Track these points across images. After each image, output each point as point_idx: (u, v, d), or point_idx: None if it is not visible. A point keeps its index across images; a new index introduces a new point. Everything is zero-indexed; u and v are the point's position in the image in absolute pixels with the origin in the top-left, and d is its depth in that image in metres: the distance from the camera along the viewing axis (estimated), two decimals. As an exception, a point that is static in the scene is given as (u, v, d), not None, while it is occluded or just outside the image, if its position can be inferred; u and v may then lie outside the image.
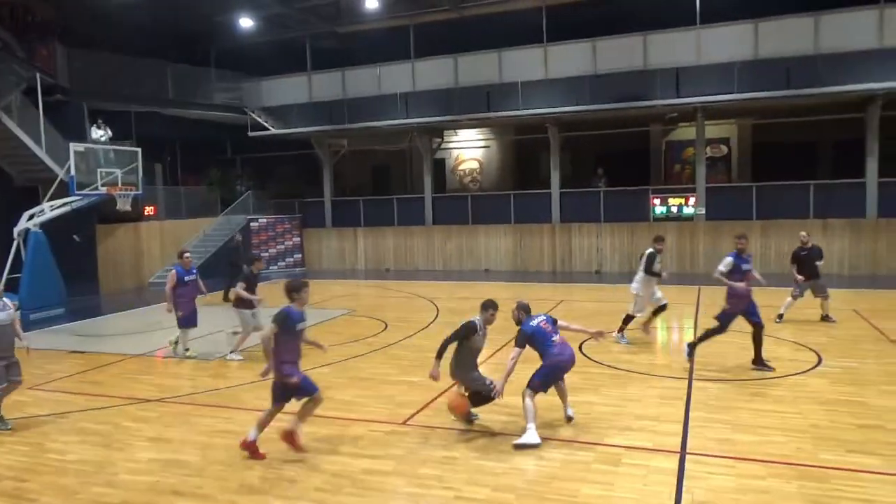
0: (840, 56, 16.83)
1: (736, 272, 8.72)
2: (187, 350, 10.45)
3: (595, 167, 22.33)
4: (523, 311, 7.00)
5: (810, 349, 9.81)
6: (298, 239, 24.05)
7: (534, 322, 6.82)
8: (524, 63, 20.27)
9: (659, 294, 10.67)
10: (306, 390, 6.29)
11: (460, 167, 26.33)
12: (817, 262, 11.86)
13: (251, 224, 23.15)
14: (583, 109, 19.49)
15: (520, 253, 21.42)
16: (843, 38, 16.90)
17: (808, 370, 8.80)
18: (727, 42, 18.07)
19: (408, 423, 7.18)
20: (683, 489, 5.41)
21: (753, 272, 8.95)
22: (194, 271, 10.54)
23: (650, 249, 10.52)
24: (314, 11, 21.94)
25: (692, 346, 9.15)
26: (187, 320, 10.30)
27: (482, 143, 25.87)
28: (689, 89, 18.31)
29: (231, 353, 10.20)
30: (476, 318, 6.88)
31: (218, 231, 22.47)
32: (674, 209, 19.83)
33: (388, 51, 22.05)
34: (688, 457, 6.06)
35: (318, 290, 17.29)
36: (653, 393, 7.99)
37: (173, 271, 10.30)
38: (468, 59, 21.03)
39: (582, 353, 10.00)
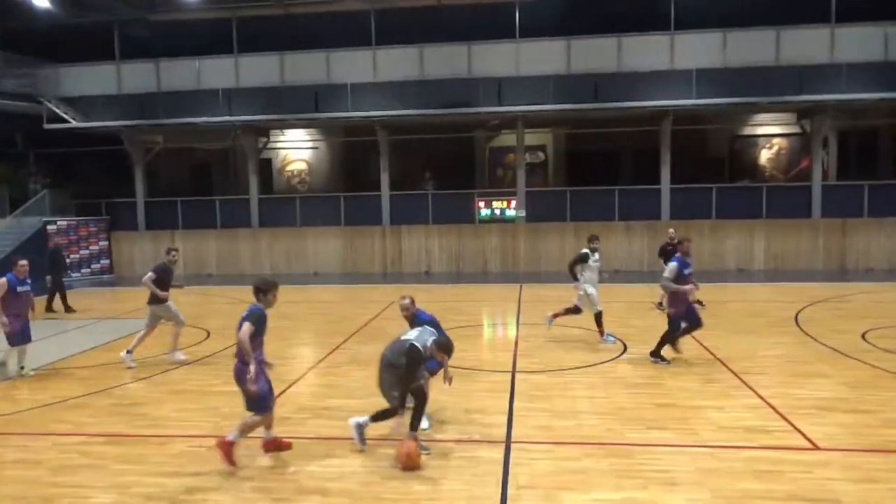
0: (639, 75, 18.73)
1: (680, 277, 8.91)
2: (23, 368, 9.17)
3: (423, 170, 22.82)
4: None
5: (619, 339, 10.75)
6: (105, 243, 21.96)
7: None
8: (353, 65, 20.20)
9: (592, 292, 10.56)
10: (259, 405, 5.92)
11: (288, 168, 25.61)
12: None
13: (48, 227, 20.68)
14: (410, 114, 19.84)
15: (350, 255, 21.30)
16: (641, 58, 18.82)
17: (616, 357, 9.65)
18: (543, 56, 19.36)
19: (233, 434, 6.80)
20: (509, 476, 5.66)
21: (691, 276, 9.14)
22: (28, 281, 9.23)
23: (584, 249, 10.63)
24: (122, -5, 20.18)
25: (656, 355, 9.21)
26: (21, 336, 9.12)
27: (311, 144, 25.38)
28: (510, 99, 19.36)
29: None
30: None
31: (7, 234, 19.84)
32: (497, 212, 20.84)
33: (208, 44, 20.84)
34: (512, 445, 6.36)
35: (129, 299, 15.90)
36: (480, 387, 8.30)
37: (4, 280, 8.95)
38: (295, 58, 20.52)
39: (413, 352, 10.14)
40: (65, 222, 21.26)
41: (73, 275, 20.58)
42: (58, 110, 20.82)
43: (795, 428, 6.69)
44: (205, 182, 25.47)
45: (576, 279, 10.71)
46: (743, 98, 18.58)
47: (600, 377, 8.65)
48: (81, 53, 21.28)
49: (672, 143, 19.88)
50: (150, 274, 9.64)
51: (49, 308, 14.61)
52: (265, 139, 23.47)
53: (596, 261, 10.64)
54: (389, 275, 20.82)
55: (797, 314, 12.61)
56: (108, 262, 22.00)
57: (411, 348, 6.04)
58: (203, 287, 18.92)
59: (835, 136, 22.79)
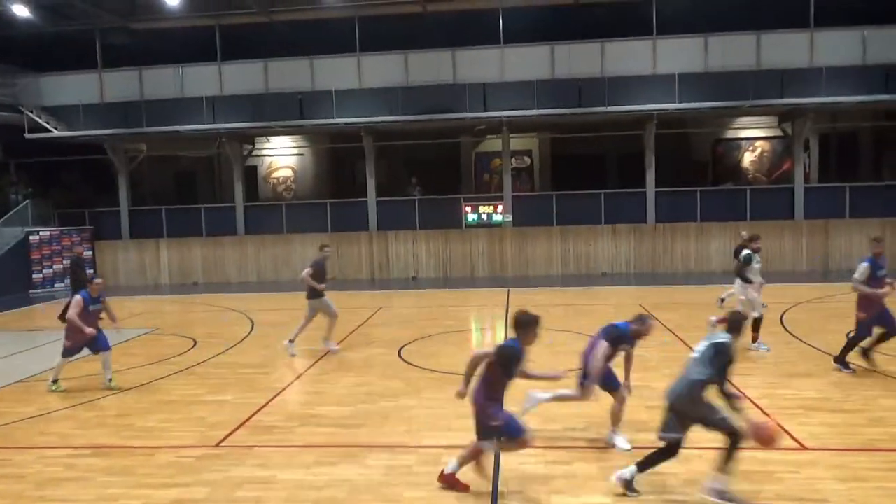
0: (622, 79, 18.86)
1: (872, 278, 8.40)
2: (110, 381, 8.97)
3: (409, 176, 22.83)
4: None
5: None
6: (90, 253, 21.72)
7: None
8: (337, 71, 20.18)
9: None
10: (510, 434, 5.43)
11: (273, 175, 25.51)
12: None
13: (30, 237, 20.44)
14: (396, 120, 19.85)
15: (338, 261, 21.24)
16: (624, 63, 18.96)
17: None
18: (527, 62, 19.44)
19: (221, 444, 6.75)
20: (500, 479, 5.66)
21: (887, 278, 8.55)
22: (100, 300, 9.06)
23: (746, 251, 10.16)
24: (102, 4, 19.99)
25: (841, 361, 8.71)
26: (72, 351, 8.97)
27: (296, 151, 25.30)
28: (495, 104, 19.43)
29: None
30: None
31: (-12, 245, 19.59)
32: (484, 216, 20.87)
33: (191, 51, 20.75)
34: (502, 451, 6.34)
35: (114, 308, 15.74)
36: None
37: (80, 298, 8.84)
38: (279, 65, 20.48)
39: (401, 358, 10.13)
40: (47, 232, 21.01)
41: (56, 286, 20.35)
42: (39, 119, 20.60)
43: (782, 428, 6.72)
44: (190, 190, 25.30)
45: (748, 282, 10.05)
46: (725, 102, 18.76)
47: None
48: (63, 62, 21.10)
49: (656, 146, 20.03)
50: (308, 269, 10.16)
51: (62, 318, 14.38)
52: (250, 146, 23.37)
53: (758, 262, 10.18)
54: (377, 281, 20.77)
55: (782, 315, 12.72)
56: (91, 271, 21.77)
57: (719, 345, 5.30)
58: (188, 296, 18.77)
59: (816, 138, 23.06)
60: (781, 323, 12.06)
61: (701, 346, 5.43)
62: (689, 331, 11.38)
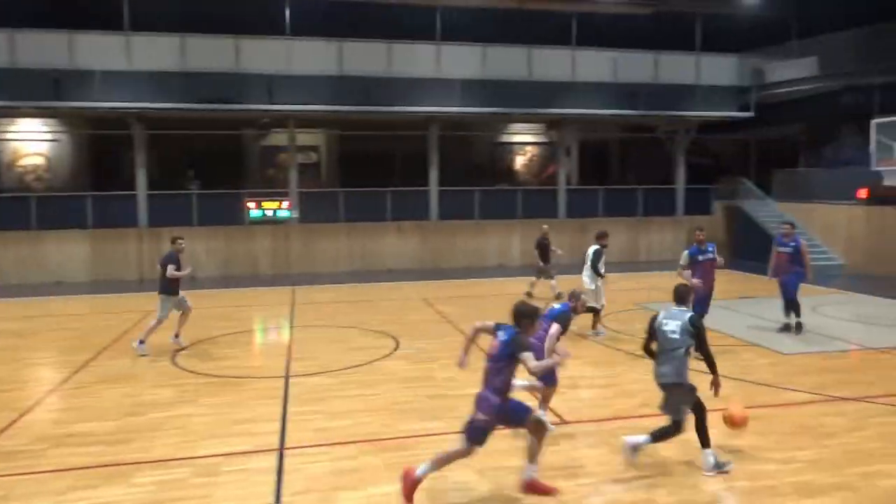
0: (408, 81, 19.38)
1: (693, 263, 9.75)
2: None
3: (186, 168, 21.28)
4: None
5: (390, 336, 11.02)
6: None
7: None
8: (102, 49, 18.07)
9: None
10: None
11: (20, 163, 22.21)
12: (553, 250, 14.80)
13: None
14: (169, 107, 18.36)
15: (100, 261, 19.11)
16: (410, 66, 19.50)
17: (389, 354, 9.88)
18: (316, 56, 19.12)
19: (-54, 476, 5.70)
20: (283, 484, 5.50)
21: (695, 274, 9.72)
22: None
23: (595, 246, 11.19)
24: None
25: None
26: None
27: (49, 137, 22.28)
28: (281, 97, 18.82)
29: None
30: None
31: None
32: (269, 213, 20.16)
33: None
34: (287, 452, 6.19)
35: None
36: (250, 395, 7.95)
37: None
38: (30, 37, 17.78)
39: (175, 364, 9.41)
40: None
41: None
42: None
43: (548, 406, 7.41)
44: None
45: (600, 275, 11.12)
46: (501, 108, 20.18)
47: (375, 375, 8.79)
48: None
49: (440, 147, 20.92)
50: (171, 266, 9.91)
51: None
52: (-12, 128, 20.08)
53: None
54: (147, 282, 19.03)
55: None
56: None
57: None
58: None
59: (576, 145, 25.80)
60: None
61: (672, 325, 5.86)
62: (468, 322, 12.00)
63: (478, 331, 5.74)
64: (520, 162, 26.25)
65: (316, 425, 6.86)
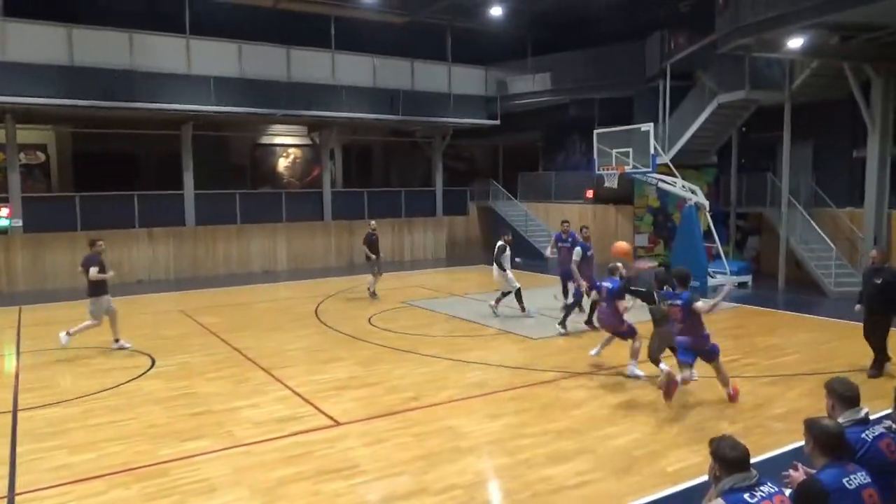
0: (155, 76, 17.75)
1: (582, 259, 11.25)
2: None
3: None
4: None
5: (144, 353, 10.04)
6: None
7: None
8: None
9: None
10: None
11: None
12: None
13: None
14: None
15: None
16: (156, 59, 17.89)
17: (144, 373, 8.99)
18: (38, 42, 16.56)
19: None
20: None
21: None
22: None
23: (500, 242, 12.55)
24: None
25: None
26: None
27: None
28: (-2, 87, 16.06)
29: None
30: None
31: None
32: (-17, 221, 17.13)
33: None
34: (18, 499, 5.31)
35: None
36: (-34, 437, 6.68)
37: None
38: None
39: None
40: None
41: None
42: None
43: (320, 410, 7.34)
44: None
45: (503, 268, 12.38)
46: (260, 109, 19.44)
47: (126, 398, 7.93)
48: None
49: (195, 148, 19.55)
50: (94, 268, 9.89)
51: None
52: None
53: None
54: None
55: (316, 307, 13.88)
56: None
57: None
58: None
59: (339, 148, 25.90)
60: (316, 315, 13.14)
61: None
62: (234, 332, 11.44)
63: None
64: (283, 164, 25.62)
65: (54, 463, 5.99)
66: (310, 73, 20.13)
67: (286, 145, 25.49)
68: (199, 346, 10.63)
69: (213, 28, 18.82)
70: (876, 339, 8.54)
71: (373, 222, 16.20)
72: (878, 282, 8.46)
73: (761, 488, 3.19)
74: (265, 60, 19.49)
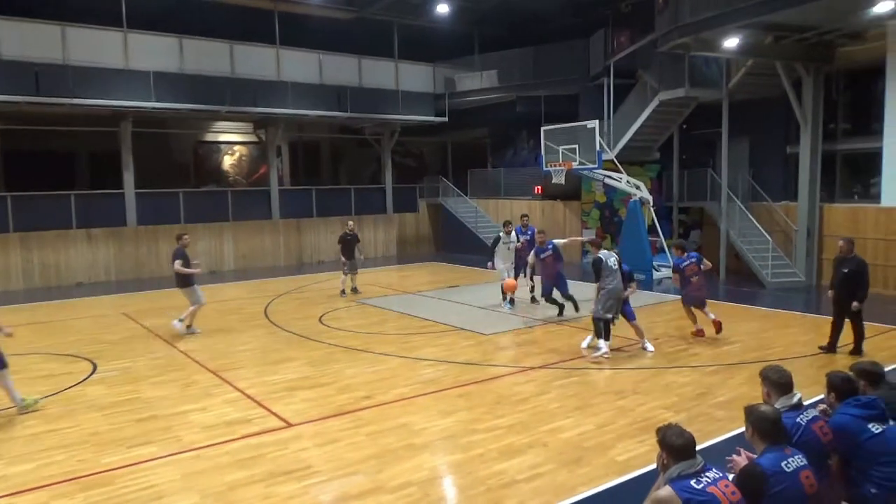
0: (91, 70, 17.10)
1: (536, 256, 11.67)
2: None
3: None
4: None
5: (85, 359, 9.70)
6: None
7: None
8: None
9: None
10: None
11: None
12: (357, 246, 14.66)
13: None
14: None
15: None
16: (93, 53, 17.23)
17: (85, 379, 8.69)
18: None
19: None
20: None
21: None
22: None
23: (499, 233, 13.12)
24: None
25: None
26: None
27: None
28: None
29: None
30: None
31: None
32: None
33: None
34: (-50, 514, 5.08)
35: None
36: None
37: None
38: None
39: None
40: None
41: None
42: None
43: (271, 412, 7.24)
44: None
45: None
46: (202, 105, 18.95)
47: (67, 405, 7.65)
48: None
49: (135, 146, 18.94)
50: (178, 261, 10.81)
51: None
52: None
53: (506, 242, 12.86)
54: None
55: (266, 308, 13.67)
56: None
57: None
58: None
59: (287, 146, 25.52)
60: (265, 315, 12.94)
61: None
62: (179, 333, 11.15)
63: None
64: (228, 162, 25.09)
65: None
66: (254, 69, 19.75)
67: (231, 143, 24.97)
68: (143, 349, 10.33)
69: (152, 22, 18.28)
70: (852, 324, 9.09)
71: (350, 222, 16.00)
72: (846, 271, 8.98)
73: (707, 474, 3.32)
74: (207, 55, 19.03)
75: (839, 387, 4.32)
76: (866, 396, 4.23)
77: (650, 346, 9.50)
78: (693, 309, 10.27)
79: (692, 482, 3.27)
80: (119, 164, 18.76)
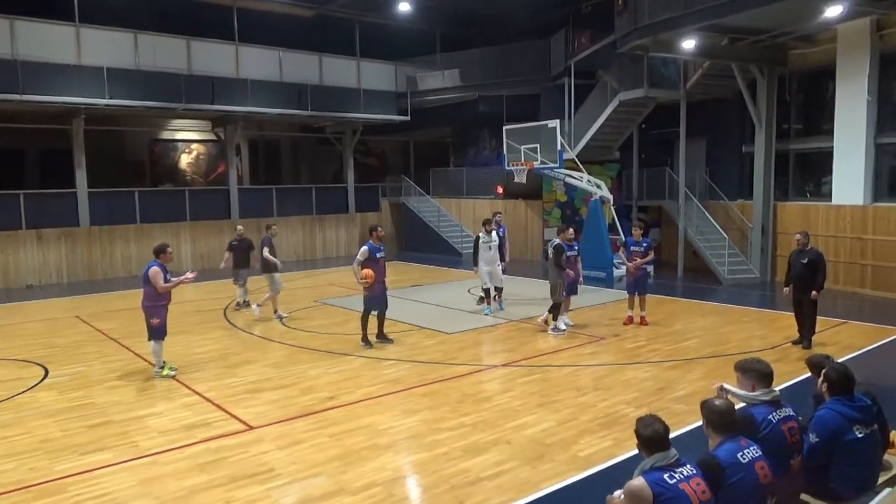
0: (42, 66, 16.53)
1: (370, 259, 9.76)
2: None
3: None
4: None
5: (35, 363, 9.38)
6: None
7: None
8: None
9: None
10: None
11: None
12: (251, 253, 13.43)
13: None
14: None
15: None
16: (43, 48, 16.67)
17: (36, 385, 8.40)
18: None
19: None
20: None
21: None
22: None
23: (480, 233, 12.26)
24: None
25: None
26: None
27: None
28: None
29: None
30: None
31: None
32: None
33: None
34: None
35: None
36: None
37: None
38: None
39: None
40: None
41: None
42: None
43: (231, 415, 7.11)
44: None
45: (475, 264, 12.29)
46: (158, 102, 18.49)
47: (17, 412, 7.38)
48: None
49: (88, 144, 18.39)
50: (266, 248, 11.94)
51: None
52: None
53: (486, 241, 12.09)
54: None
55: (225, 309, 13.42)
56: None
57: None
58: None
59: (246, 144, 25.12)
60: (225, 317, 12.70)
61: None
62: (135, 337, 10.86)
63: None
64: (185, 160, 24.57)
65: None
66: (212, 66, 19.37)
67: (188, 141, 24.45)
68: (97, 353, 10.04)
69: (106, 16, 17.78)
70: (806, 314, 9.37)
71: (240, 227, 14.15)
72: (805, 261, 9.28)
73: (681, 469, 3.35)
74: (163, 51, 18.60)
75: (835, 381, 4.35)
76: (860, 397, 4.33)
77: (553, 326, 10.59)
78: (632, 296, 11.07)
79: (665, 476, 3.30)
80: (71, 163, 18.20)
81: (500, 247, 12.42)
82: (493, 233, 12.23)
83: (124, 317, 12.75)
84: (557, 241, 10.92)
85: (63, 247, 18.07)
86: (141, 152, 23.51)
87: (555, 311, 10.63)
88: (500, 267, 12.32)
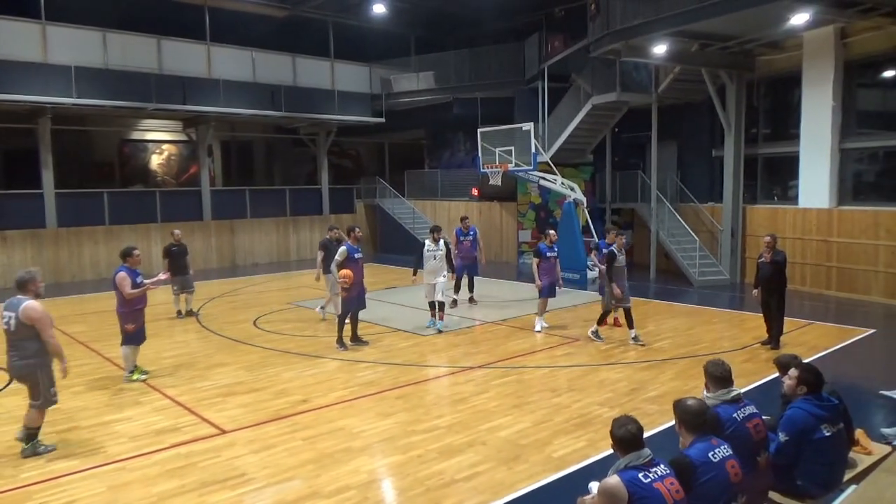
0: (7, 64, 16.14)
1: (349, 260, 9.54)
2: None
3: None
4: None
5: (0, 369, 9.14)
6: None
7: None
8: None
9: None
10: None
11: None
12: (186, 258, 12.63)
13: None
14: None
15: None
16: (8, 45, 16.27)
17: (0, 390, 8.20)
18: None
19: None
20: None
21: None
22: None
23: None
24: None
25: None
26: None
27: None
28: None
29: None
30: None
31: None
32: None
33: None
34: None
35: None
36: None
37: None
38: None
39: None
40: None
41: None
42: None
43: (203, 419, 7.01)
44: None
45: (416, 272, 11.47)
46: (127, 102, 18.19)
47: (-20, 417, 7.20)
48: None
49: (55, 144, 18.02)
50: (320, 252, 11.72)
51: None
52: None
53: (431, 250, 11.01)
54: None
55: (197, 311, 13.23)
56: None
57: None
58: None
59: (218, 145, 24.83)
60: (197, 319, 12.53)
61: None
62: (104, 340, 10.67)
63: None
64: (155, 161, 24.20)
65: None
66: (184, 66, 19.12)
67: (159, 141, 24.10)
68: (68, 357, 9.80)
69: (74, 14, 17.44)
70: (774, 315, 9.54)
71: (177, 231, 13.04)
72: (778, 260, 9.46)
73: (655, 469, 3.39)
74: (133, 51, 18.31)
75: (813, 382, 4.46)
76: (827, 397, 4.42)
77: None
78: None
79: (640, 475, 3.33)
80: (37, 163, 17.82)
81: (449, 255, 11.32)
82: (441, 241, 11.02)
83: (92, 320, 12.52)
84: (612, 248, 9.98)
85: (29, 248, 17.67)
86: (110, 153, 23.11)
87: (601, 319, 10.35)
88: (444, 279, 11.03)
